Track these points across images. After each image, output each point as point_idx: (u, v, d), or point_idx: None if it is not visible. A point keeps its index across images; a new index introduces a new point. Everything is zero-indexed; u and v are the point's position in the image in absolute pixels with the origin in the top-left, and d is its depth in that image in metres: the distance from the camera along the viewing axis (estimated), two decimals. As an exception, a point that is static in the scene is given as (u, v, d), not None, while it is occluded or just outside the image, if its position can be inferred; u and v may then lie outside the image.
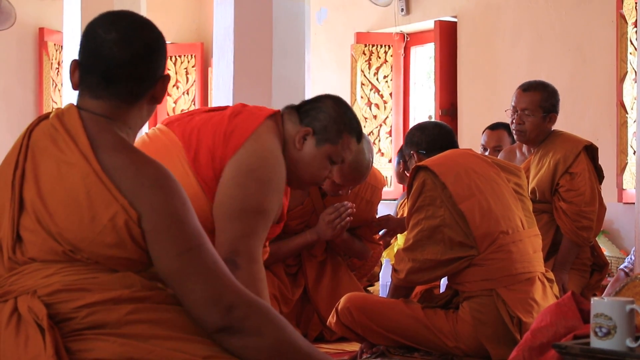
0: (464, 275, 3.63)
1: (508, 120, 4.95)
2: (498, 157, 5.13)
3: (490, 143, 5.65)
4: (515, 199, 3.77)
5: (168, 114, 9.89)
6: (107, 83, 2.16)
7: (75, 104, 2.20)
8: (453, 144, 3.99)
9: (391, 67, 8.62)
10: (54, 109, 2.20)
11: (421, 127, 4.12)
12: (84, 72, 2.19)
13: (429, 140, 4.00)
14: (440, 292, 4.05)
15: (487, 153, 5.59)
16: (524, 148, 4.97)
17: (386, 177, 8.34)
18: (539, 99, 4.69)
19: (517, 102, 4.72)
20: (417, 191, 3.70)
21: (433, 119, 8.15)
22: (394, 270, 3.74)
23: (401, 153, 6.36)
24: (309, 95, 6.68)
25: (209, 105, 9.71)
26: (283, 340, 2.12)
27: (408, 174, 4.13)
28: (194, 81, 10.03)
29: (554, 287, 3.79)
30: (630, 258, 5.05)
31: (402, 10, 8.28)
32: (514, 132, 4.83)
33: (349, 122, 3.27)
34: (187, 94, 10.07)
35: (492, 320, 3.57)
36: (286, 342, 2.13)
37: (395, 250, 6.24)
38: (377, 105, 8.65)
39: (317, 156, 3.21)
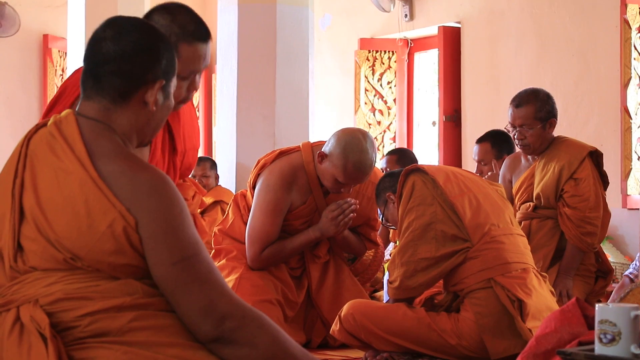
0: (461, 272, 3.64)
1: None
2: (502, 164, 5.16)
3: (476, 157, 5.70)
4: (503, 201, 3.86)
5: (172, 121, 9.88)
6: (95, 80, 2.16)
7: (74, 111, 2.20)
8: None
9: (395, 73, 8.62)
10: (52, 117, 2.20)
11: (389, 174, 4.12)
12: (83, 73, 2.20)
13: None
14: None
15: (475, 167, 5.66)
16: (529, 154, 4.96)
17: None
18: (533, 112, 4.68)
19: (513, 119, 4.72)
20: (407, 195, 3.73)
21: (437, 125, 8.15)
22: (389, 283, 3.74)
23: (400, 161, 6.33)
24: (313, 101, 6.69)
25: (213, 112, 9.73)
26: (277, 351, 2.11)
27: (384, 223, 4.12)
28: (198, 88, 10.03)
29: (547, 283, 3.81)
30: (635, 264, 5.03)
31: (406, 16, 8.29)
32: (518, 147, 4.84)
33: (180, 30, 2.78)
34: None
35: (493, 312, 3.58)
36: (280, 352, 2.12)
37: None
38: (380, 111, 8.65)
39: None
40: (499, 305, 3.57)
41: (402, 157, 6.20)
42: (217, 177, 7.24)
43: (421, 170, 3.75)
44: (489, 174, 5.51)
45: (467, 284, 3.64)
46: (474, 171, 5.56)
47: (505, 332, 3.55)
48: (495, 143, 5.63)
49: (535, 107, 4.69)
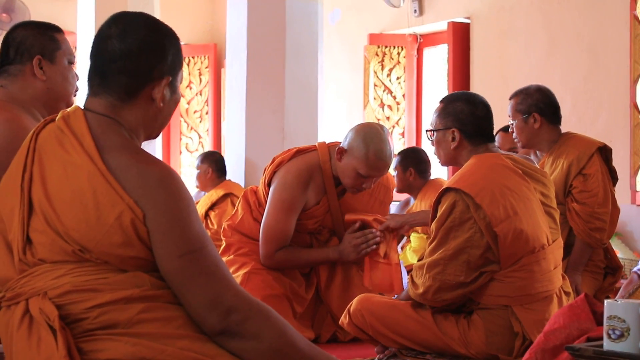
0: (482, 288, 3.54)
1: None
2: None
3: (504, 145, 5.65)
4: (543, 214, 3.66)
5: (181, 115, 9.92)
6: (102, 78, 2.17)
7: (82, 106, 2.22)
8: (493, 133, 3.77)
9: (404, 68, 8.62)
10: (60, 112, 2.21)
11: (470, 102, 3.71)
12: (89, 70, 2.21)
13: (477, 123, 3.68)
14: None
15: None
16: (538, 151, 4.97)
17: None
18: (514, 104, 4.81)
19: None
20: (446, 212, 3.53)
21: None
22: (412, 282, 3.65)
23: (405, 160, 6.32)
24: (322, 96, 6.70)
25: (222, 106, 9.73)
26: (283, 344, 2.12)
27: (435, 145, 3.81)
28: (207, 82, 10.05)
29: (570, 298, 3.71)
30: (644, 260, 5.03)
31: (415, 11, 8.28)
32: None
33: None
34: (201, 94, 10.09)
35: (503, 333, 3.53)
36: (286, 346, 2.12)
37: (407, 253, 6.23)
38: (389, 107, 8.64)
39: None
40: (510, 330, 3.53)
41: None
42: (213, 172, 7.30)
43: (465, 193, 3.49)
44: None
45: (485, 301, 3.54)
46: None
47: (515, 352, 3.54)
48: None
49: (516, 100, 4.80)
